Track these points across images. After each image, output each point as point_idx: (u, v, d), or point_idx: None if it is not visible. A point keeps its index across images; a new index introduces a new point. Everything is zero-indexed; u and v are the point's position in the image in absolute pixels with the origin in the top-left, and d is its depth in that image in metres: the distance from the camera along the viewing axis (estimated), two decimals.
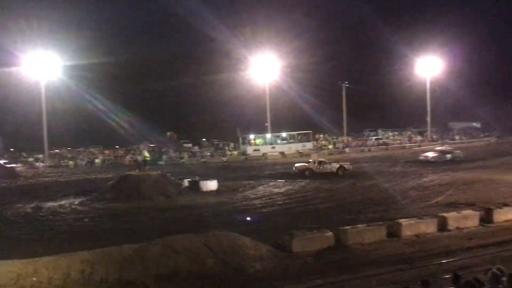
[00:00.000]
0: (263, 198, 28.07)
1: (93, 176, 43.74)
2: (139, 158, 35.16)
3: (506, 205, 20.97)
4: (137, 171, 32.42)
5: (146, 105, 71.58)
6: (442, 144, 58.18)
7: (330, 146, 61.13)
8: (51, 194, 32.61)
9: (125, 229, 20.88)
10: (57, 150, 60.65)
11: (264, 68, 59.76)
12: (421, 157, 43.31)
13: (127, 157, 56.53)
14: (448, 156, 42.31)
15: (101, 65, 65.29)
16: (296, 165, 39.46)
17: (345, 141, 63.41)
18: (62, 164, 54.32)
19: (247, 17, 70.51)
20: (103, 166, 53.72)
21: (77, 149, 61.95)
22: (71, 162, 54.46)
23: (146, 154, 35.31)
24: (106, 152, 60.17)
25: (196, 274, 14.10)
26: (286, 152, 56.01)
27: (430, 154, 43.22)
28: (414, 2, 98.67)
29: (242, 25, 67.84)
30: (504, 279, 6.91)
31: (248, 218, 21.48)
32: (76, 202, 28.66)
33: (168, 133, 69.57)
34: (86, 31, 66.17)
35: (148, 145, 61.52)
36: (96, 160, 55.66)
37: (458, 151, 44.39)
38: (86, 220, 23.56)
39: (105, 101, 65.62)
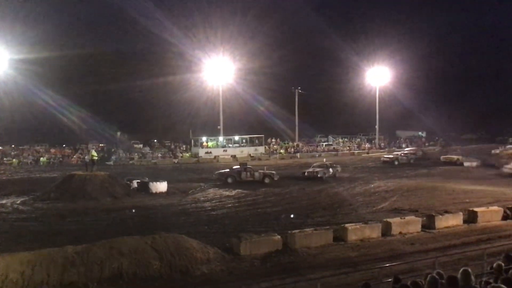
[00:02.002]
0: (213, 201, 27.97)
1: (37, 175, 42.26)
2: (87, 157, 34.24)
3: (447, 212, 21.80)
4: (85, 171, 31.57)
5: (97, 103, 69.86)
6: (389, 152, 60.00)
7: (282, 151, 61.67)
8: None
9: (69, 230, 20.25)
10: (0, 148, 58.23)
11: (218, 70, 59.64)
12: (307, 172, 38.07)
13: (75, 156, 55.03)
14: (330, 170, 38.24)
15: (51, 59, 63.30)
16: (220, 171, 37.16)
17: (296, 146, 64.10)
18: (5, 161, 52.18)
19: (201, 19, 70.43)
20: (49, 165, 52.00)
21: (22, 147, 59.68)
22: (14, 160, 52.42)
23: (94, 153, 34.43)
24: (53, 150, 58.26)
25: (141, 277, 13.88)
26: (238, 156, 56.06)
27: (316, 169, 38.36)
28: (364, 12, 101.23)
29: (195, 27, 67.70)
30: (443, 281, 7.14)
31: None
32: (18, 202, 27.57)
33: (118, 133, 68.18)
34: (35, 23, 63.96)
35: (97, 144, 60.10)
36: (42, 159, 53.82)
37: (337, 166, 39.96)
38: (28, 220, 22.70)
39: (55, 97, 63.66)
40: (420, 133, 79.63)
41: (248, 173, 35.70)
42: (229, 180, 35.11)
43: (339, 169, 39.19)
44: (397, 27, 79.78)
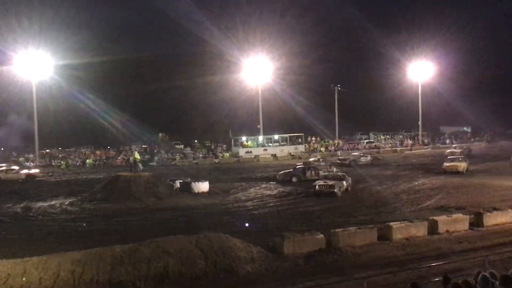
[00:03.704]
0: (255, 200, 28.06)
1: (84, 177, 43.54)
2: (131, 159, 35.03)
3: (495, 209, 21.12)
4: (131, 171, 32.28)
5: (139, 106, 71.40)
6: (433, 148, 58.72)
7: (322, 149, 61.27)
8: (41, 194, 32.40)
9: (116, 230, 20.78)
10: (48, 150, 60.27)
11: (256, 70, 59.81)
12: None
13: (119, 157, 56.35)
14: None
15: (93, 65, 65.05)
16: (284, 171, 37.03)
17: (336, 144, 63.56)
18: (53, 164, 54.00)
19: (240, 19, 70.60)
20: (94, 166, 53.48)
21: (68, 149, 61.62)
22: (63, 162, 54.17)
23: (137, 155, 35.15)
24: (98, 152, 59.93)
25: (186, 275, 14.08)
26: (278, 155, 56.08)
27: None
28: (405, 6, 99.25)
29: (234, 27, 68.02)
30: (496, 282, 6.95)
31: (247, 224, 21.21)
32: (67, 203, 28.45)
33: (160, 134, 69.36)
34: (78, 30, 65.88)
35: (140, 146, 61.35)
36: (88, 161, 55.40)
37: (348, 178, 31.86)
38: (79, 221, 23.42)
39: (97, 101, 65.38)
40: (465, 128, 77.47)
41: (313, 172, 35.33)
42: (294, 179, 34.88)
43: (349, 181, 30.76)
44: (440, 20, 77.65)
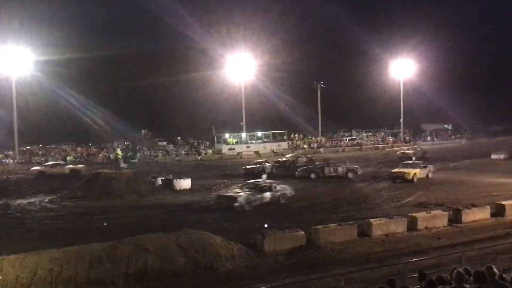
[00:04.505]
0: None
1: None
2: (112, 156, 34.75)
3: (474, 205, 21.49)
4: (111, 169, 32.01)
5: (121, 102, 70.75)
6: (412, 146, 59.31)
7: (305, 146, 61.47)
8: (21, 191, 31.93)
9: (96, 227, 20.60)
10: (28, 147, 59.42)
11: (240, 67, 59.73)
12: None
13: (100, 154, 55.82)
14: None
15: (75, 60, 64.26)
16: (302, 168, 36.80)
17: (319, 141, 63.83)
18: (33, 161, 53.26)
19: (223, 16, 70.51)
20: (75, 163, 52.82)
21: (49, 146, 60.82)
22: (42, 159, 53.44)
23: (119, 152, 34.88)
24: (79, 149, 59.23)
25: (166, 273, 14.03)
26: (261, 152, 56.10)
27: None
28: (388, 4, 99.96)
29: (217, 24, 67.85)
30: (470, 278, 7.03)
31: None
32: (46, 200, 28.08)
33: (143, 131, 68.91)
34: (59, 25, 65.06)
35: (122, 143, 60.86)
36: (68, 158, 54.72)
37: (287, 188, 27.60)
38: (59, 219, 23.15)
39: (79, 97, 64.63)
40: (446, 125, 78.38)
41: (331, 168, 35.16)
42: (312, 176, 34.74)
43: (288, 192, 26.54)
44: (421, 18, 78.45)
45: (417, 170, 32.21)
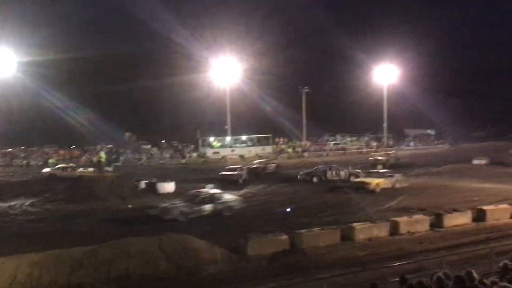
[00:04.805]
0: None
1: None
2: (95, 159, 34.44)
3: (455, 210, 21.71)
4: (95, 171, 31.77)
5: (105, 105, 70.03)
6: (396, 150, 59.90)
7: (290, 150, 61.59)
8: (1, 194, 31.39)
9: (77, 231, 20.37)
10: (10, 149, 58.58)
11: (225, 70, 59.68)
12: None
13: (83, 157, 55.26)
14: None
15: (58, 62, 63.47)
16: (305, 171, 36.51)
17: (303, 145, 63.99)
18: (14, 163, 52.54)
19: (208, 19, 70.29)
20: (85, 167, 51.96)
21: (31, 149, 60.03)
22: (24, 162, 52.75)
23: (102, 155, 34.59)
24: (61, 152, 58.55)
25: (148, 277, 13.94)
26: (245, 155, 56.05)
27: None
28: (372, 10, 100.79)
29: (202, 27, 67.56)
30: (450, 282, 7.10)
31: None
32: (28, 203, 27.72)
33: (127, 134, 68.34)
34: (43, 26, 64.20)
35: (105, 145, 60.31)
36: (50, 160, 54.07)
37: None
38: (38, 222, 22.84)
39: (62, 99, 63.92)
40: (429, 131, 79.18)
41: (334, 172, 35.13)
42: (315, 179, 34.62)
43: (235, 204, 24.79)
44: (405, 24, 79.23)
45: (381, 180, 30.30)
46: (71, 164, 44.41)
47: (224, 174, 36.69)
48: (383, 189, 29.72)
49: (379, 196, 28.20)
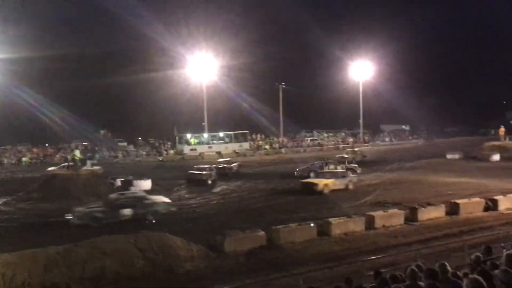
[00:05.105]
0: (198, 198, 27.84)
1: (20, 176, 41.71)
2: (69, 157, 33.90)
3: (429, 204, 22.08)
4: (70, 169, 31.22)
5: (80, 102, 68.96)
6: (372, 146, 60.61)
7: (267, 147, 61.73)
8: None
9: (52, 230, 20.00)
10: None
11: (201, 67, 59.40)
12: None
13: (57, 155, 54.39)
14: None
15: (32, 59, 62.29)
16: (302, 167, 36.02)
17: (281, 141, 64.20)
18: None
19: (184, 15, 69.65)
20: (31, 165, 51.34)
21: (4, 147, 58.85)
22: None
23: (77, 153, 34.03)
24: (35, 150, 57.56)
25: (124, 276, 13.82)
26: (223, 152, 55.95)
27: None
28: (347, 7, 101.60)
29: (178, 23, 66.93)
30: (421, 275, 7.22)
31: None
32: (0, 202, 27.16)
33: (102, 131, 67.53)
34: (15, 23, 62.91)
35: (80, 143, 59.50)
36: (24, 159, 53.16)
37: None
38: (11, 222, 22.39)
39: (36, 96, 62.72)
40: (403, 126, 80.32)
41: (331, 167, 34.55)
42: (312, 175, 33.80)
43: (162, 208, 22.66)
44: (380, 21, 79.98)
45: (330, 181, 28.61)
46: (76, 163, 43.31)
47: (193, 173, 34.64)
48: (335, 191, 28.11)
49: (355, 191, 28.44)
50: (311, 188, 28.15)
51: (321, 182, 28.33)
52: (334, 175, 30.21)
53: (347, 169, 34.64)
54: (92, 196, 27.50)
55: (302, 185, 29.31)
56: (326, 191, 27.97)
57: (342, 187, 29.01)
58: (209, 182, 33.37)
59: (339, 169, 34.05)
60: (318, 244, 17.40)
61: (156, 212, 21.78)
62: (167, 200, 23.64)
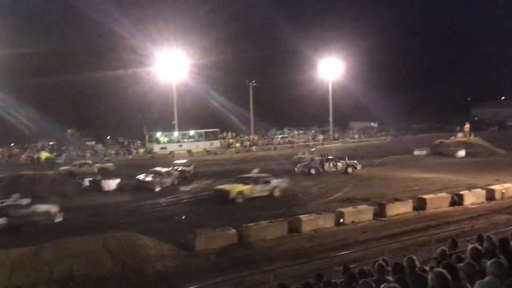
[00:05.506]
0: (168, 197, 27.59)
1: None
2: (36, 156, 33.16)
3: (397, 199, 22.51)
4: (34, 170, 30.54)
5: (46, 100, 67.55)
6: (342, 143, 61.34)
7: (238, 145, 61.67)
8: None
9: (18, 231, 19.52)
10: None
11: (171, 65, 58.86)
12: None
13: (23, 155, 53.08)
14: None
15: None
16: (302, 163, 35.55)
17: (251, 139, 64.24)
18: None
19: (151, 12, 69.05)
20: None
21: None
22: None
23: (43, 154, 33.23)
24: (0, 150, 56.05)
25: (93, 277, 13.62)
26: (193, 151, 55.64)
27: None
28: (315, 5, 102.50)
29: (146, 20, 66.18)
30: (389, 269, 7.33)
31: None
32: None
33: (69, 130, 66.24)
34: None
35: (47, 142, 58.24)
36: None
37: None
38: None
39: (1, 95, 61.06)
40: (372, 123, 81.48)
41: (331, 164, 34.56)
42: (312, 171, 33.86)
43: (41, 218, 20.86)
44: (349, 19, 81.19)
45: (246, 188, 25.56)
46: (88, 161, 42.51)
47: (139, 180, 31.01)
48: (253, 199, 25.27)
49: (326, 188, 28.63)
50: (222, 196, 25.25)
51: (234, 190, 25.17)
52: (255, 180, 26.74)
53: (348, 165, 34.67)
54: (59, 196, 27.01)
55: (214, 192, 26.47)
56: (239, 199, 24.92)
57: (265, 194, 26.06)
58: (157, 189, 29.57)
59: (340, 166, 34.06)
60: (289, 241, 17.52)
61: (33, 222, 20.20)
62: (55, 209, 21.66)
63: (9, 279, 12.92)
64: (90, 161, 42.33)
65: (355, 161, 35.97)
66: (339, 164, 34.68)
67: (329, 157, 36.11)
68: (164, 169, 32.51)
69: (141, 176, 31.26)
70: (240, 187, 25.57)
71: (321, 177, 32.59)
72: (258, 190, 25.92)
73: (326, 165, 34.52)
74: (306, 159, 39.25)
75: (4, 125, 60.59)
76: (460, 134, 49.81)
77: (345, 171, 34.15)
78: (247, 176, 27.80)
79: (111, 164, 41.85)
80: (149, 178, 30.56)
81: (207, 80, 65.57)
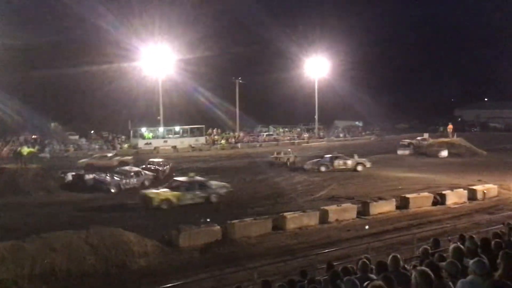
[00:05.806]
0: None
1: None
2: (18, 149, 32.70)
3: (381, 198, 22.68)
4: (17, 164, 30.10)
5: (29, 94, 66.67)
6: (327, 141, 61.62)
7: (223, 141, 61.55)
8: None
9: None
10: None
11: (157, 60, 58.46)
12: None
13: (5, 148, 52.33)
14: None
15: None
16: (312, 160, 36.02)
17: (237, 136, 64.17)
18: None
19: (137, 6, 68.42)
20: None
21: None
22: None
23: (24, 149, 32.75)
24: None
25: (75, 273, 13.50)
26: (178, 146, 55.41)
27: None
28: (302, 3, 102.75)
29: (131, 14, 65.68)
30: (372, 267, 7.39)
31: None
32: None
33: (53, 124, 65.47)
34: None
35: (29, 136, 57.51)
36: None
37: None
38: None
39: None
40: (357, 122, 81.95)
41: (341, 161, 34.57)
42: (323, 168, 33.88)
43: None
44: (334, 18, 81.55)
45: (174, 195, 23.20)
46: (108, 153, 42.26)
47: (95, 178, 28.99)
48: (183, 206, 22.82)
49: (310, 186, 28.72)
50: (145, 203, 22.98)
51: (158, 196, 22.83)
52: (186, 186, 24.08)
53: (357, 163, 34.79)
54: (41, 191, 26.75)
55: (139, 197, 24.00)
56: (165, 206, 22.60)
57: (198, 201, 23.58)
58: (113, 190, 27.51)
59: (349, 163, 34.18)
60: (273, 238, 17.57)
61: None
62: None
63: None
64: (110, 154, 42.13)
65: (365, 159, 36.10)
66: (349, 162, 34.79)
67: (339, 154, 36.32)
68: (134, 169, 30.51)
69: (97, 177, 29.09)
70: (166, 193, 23.26)
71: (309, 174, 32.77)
72: (189, 197, 23.38)
73: (336, 163, 34.62)
74: (282, 158, 39.22)
75: None
76: (425, 135, 51.26)
77: (355, 169, 34.28)
78: (179, 180, 25.12)
79: (130, 157, 40.67)
80: (109, 178, 28.64)
81: (193, 76, 65.35)
